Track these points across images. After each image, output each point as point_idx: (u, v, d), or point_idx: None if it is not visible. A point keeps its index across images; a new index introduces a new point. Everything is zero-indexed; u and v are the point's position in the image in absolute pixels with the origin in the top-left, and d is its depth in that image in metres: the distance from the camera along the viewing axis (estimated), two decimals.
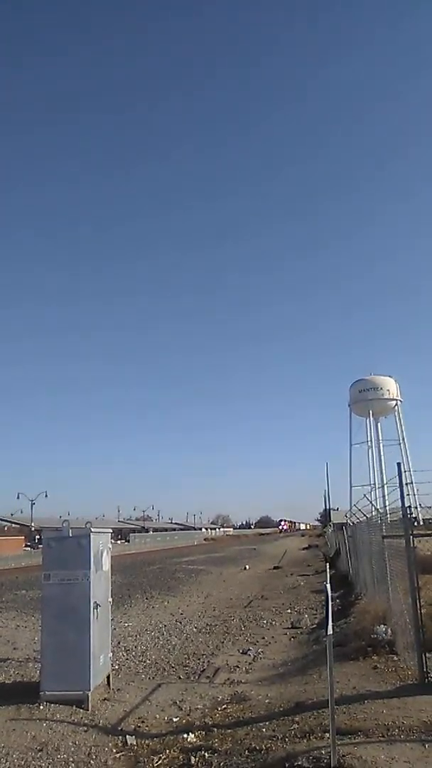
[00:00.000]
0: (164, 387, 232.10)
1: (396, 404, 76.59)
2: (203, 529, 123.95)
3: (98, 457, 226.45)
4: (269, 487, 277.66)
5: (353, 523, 18.66)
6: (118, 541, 70.20)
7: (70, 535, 7.25)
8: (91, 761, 5.53)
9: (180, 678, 8.92)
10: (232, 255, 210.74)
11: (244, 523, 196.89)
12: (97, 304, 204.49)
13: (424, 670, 6.55)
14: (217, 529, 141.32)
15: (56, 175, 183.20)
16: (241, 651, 10.75)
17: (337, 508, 78.95)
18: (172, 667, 9.59)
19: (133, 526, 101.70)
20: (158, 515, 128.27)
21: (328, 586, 5.32)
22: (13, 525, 74.28)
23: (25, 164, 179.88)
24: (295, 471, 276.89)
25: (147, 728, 6.45)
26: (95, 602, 7.18)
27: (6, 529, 73.39)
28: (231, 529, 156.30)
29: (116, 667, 8.99)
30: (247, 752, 5.13)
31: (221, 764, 5.03)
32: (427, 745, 4.76)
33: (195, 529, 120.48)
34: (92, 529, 7.34)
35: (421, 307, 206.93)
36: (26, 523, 69.83)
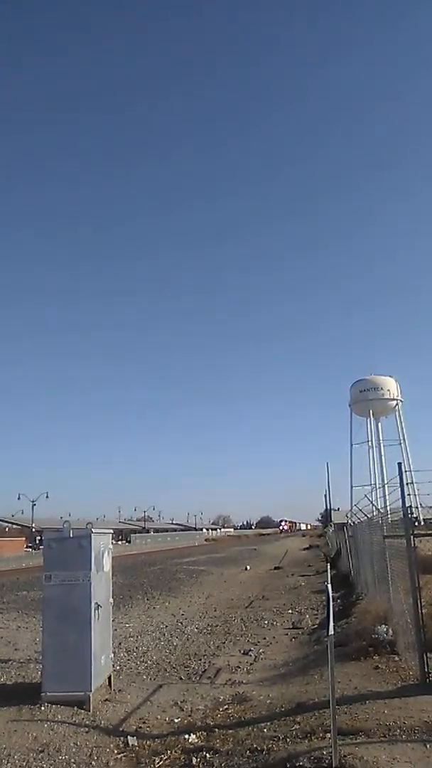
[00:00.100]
0: (164, 387, 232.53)
1: (396, 404, 76.58)
2: (204, 530, 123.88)
3: (98, 457, 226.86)
4: (270, 487, 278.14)
5: (354, 523, 18.66)
6: (119, 542, 70.23)
7: (71, 535, 7.25)
8: (93, 762, 5.53)
9: (181, 679, 8.92)
10: (232, 255, 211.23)
11: (244, 523, 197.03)
12: (97, 304, 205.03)
13: (426, 670, 6.55)
14: (218, 530, 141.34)
15: (56, 175, 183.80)
16: (242, 651, 10.75)
17: (338, 508, 79.02)
18: (174, 668, 9.59)
19: (133, 527, 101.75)
20: (159, 516, 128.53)
21: (329, 586, 5.34)
22: (14, 526, 74.31)
23: (25, 164, 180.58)
24: (295, 471, 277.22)
25: (148, 729, 6.45)
26: (96, 603, 7.18)
27: (7, 530, 73.39)
28: (232, 530, 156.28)
29: (117, 667, 8.99)
30: (248, 753, 5.13)
31: (222, 765, 5.03)
32: (428, 745, 4.75)
33: (196, 529, 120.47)
34: (93, 530, 7.34)
35: (421, 307, 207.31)
36: (27, 524, 69.89)
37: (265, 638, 11.96)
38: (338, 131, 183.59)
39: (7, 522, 74.61)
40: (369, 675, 7.26)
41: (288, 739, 5.27)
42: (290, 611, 15.50)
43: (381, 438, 76.08)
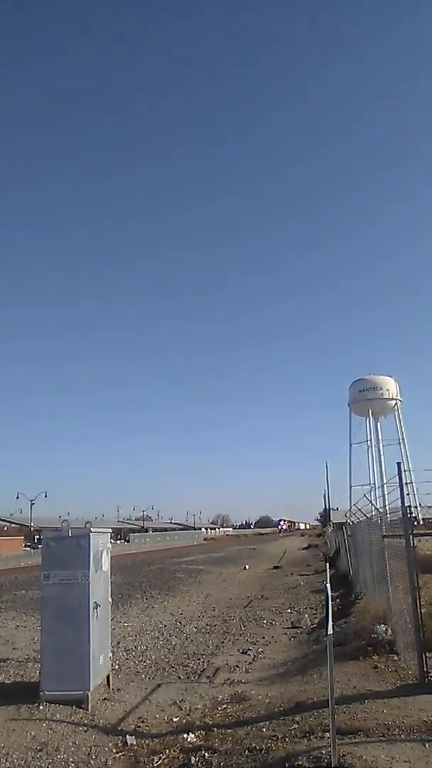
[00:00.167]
0: (164, 387, 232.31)
1: (396, 404, 76.61)
2: (203, 529, 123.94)
3: (98, 457, 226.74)
4: (269, 487, 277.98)
5: (353, 522, 18.67)
6: (118, 541, 70.20)
7: (70, 535, 7.25)
8: (91, 761, 5.52)
9: (180, 678, 8.92)
10: (232, 255, 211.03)
11: (243, 522, 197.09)
12: (97, 304, 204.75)
13: (425, 669, 6.54)
14: (217, 529, 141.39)
15: (56, 175, 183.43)
16: (241, 651, 10.75)
17: (337, 508, 79.10)
18: (172, 667, 9.59)
19: (132, 526, 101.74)
20: (158, 515, 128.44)
21: (328, 585, 5.32)
22: (13, 525, 74.27)
23: (25, 164, 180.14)
24: (294, 471, 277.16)
25: (147, 728, 6.44)
26: (95, 602, 7.17)
27: (5, 529, 73.36)
28: (231, 529, 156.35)
29: (116, 667, 8.99)
30: (247, 752, 5.13)
31: (221, 764, 5.02)
32: (427, 745, 4.75)
33: (195, 529, 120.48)
34: (92, 529, 7.33)
35: (421, 307, 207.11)
36: (26, 523, 69.81)
37: (263, 637, 11.96)
38: (338, 131, 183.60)
39: (5, 521, 74.57)
40: (368, 674, 7.25)
41: (287, 739, 5.27)
42: (289, 610, 15.50)
43: (380, 438, 76.16)
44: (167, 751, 5.57)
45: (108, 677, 7.91)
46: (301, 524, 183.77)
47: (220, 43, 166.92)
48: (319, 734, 5.13)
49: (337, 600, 14.67)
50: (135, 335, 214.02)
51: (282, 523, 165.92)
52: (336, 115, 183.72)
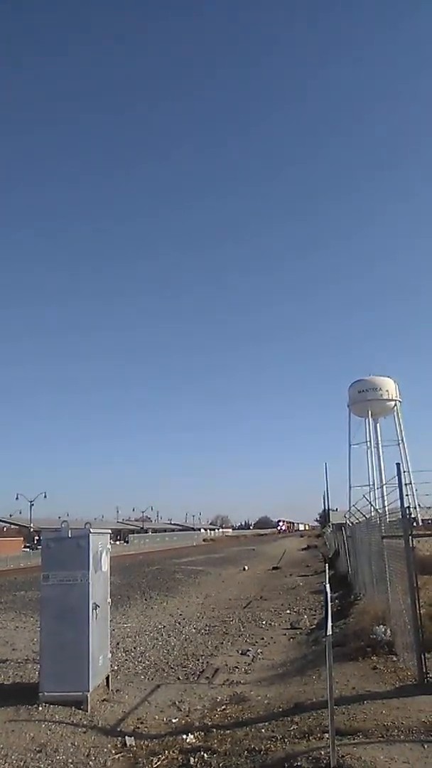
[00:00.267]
0: (164, 387, 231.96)
1: (395, 405, 76.70)
2: (202, 530, 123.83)
3: (98, 457, 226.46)
4: (269, 487, 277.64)
5: (352, 523, 18.67)
6: (117, 542, 70.16)
7: (69, 536, 7.25)
8: (90, 762, 5.52)
9: (179, 679, 8.91)
10: (232, 255, 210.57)
11: (243, 523, 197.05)
12: (97, 304, 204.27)
13: (423, 670, 6.55)
14: (216, 530, 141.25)
15: (56, 175, 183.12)
16: (240, 652, 10.75)
17: (336, 509, 78.96)
18: (171, 668, 9.59)
19: (132, 527, 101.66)
20: (157, 516, 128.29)
21: (327, 586, 5.32)
22: (12, 526, 74.19)
23: (25, 164, 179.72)
24: (294, 471, 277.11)
25: (146, 729, 6.44)
26: (94, 603, 7.17)
27: (5, 530, 73.33)
28: (230, 530, 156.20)
29: (115, 667, 8.98)
30: (246, 753, 5.13)
31: (220, 765, 5.02)
32: (426, 746, 4.76)
33: (194, 529, 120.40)
34: (91, 530, 7.33)
35: (421, 307, 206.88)
36: (25, 524, 69.71)
37: (263, 638, 11.96)
38: (338, 131, 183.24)
39: (5, 522, 74.51)
40: (367, 675, 7.26)
41: (286, 740, 5.27)
42: (288, 611, 15.50)
43: (379, 438, 76.29)
44: (166, 752, 5.57)
45: (107, 678, 7.90)
46: (300, 525, 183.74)
47: (220, 43, 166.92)
48: (318, 735, 5.14)
49: (336, 601, 14.67)
50: (135, 335, 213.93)
51: (281, 523, 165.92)
52: (336, 115, 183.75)
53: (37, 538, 59.00)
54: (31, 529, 66.04)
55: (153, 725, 6.59)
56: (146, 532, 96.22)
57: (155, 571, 31.00)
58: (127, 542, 74.38)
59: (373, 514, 12.04)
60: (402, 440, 75.66)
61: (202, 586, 23.18)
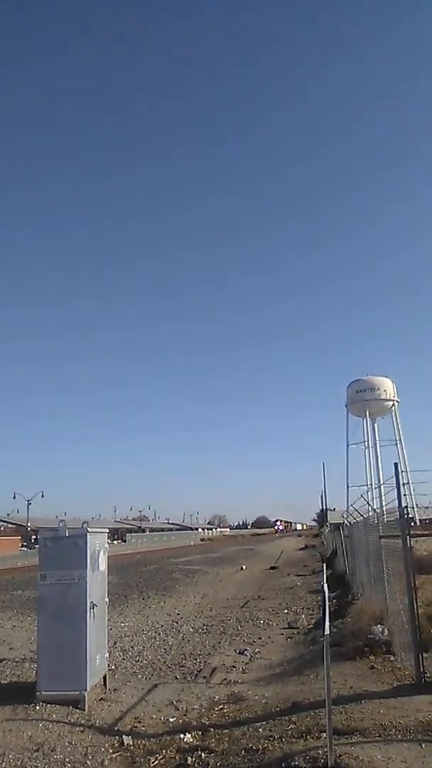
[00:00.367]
0: (164, 387, 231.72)
1: (393, 405, 76.81)
2: (200, 529, 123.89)
3: (98, 457, 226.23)
4: (267, 487, 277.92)
5: (350, 523, 18.69)
6: (115, 542, 70.17)
7: (67, 535, 7.24)
8: (88, 761, 5.52)
9: (176, 678, 8.91)
10: (232, 255, 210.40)
11: (240, 523, 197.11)
12: (97, 304, 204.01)
13: (421, 670, 6.56)
14: (214, 529, 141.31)
15: (56, 175, 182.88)
16: (237, 651, 10.75)
17: (334, 509, 79.04)
18: (169, 668, 9.58)
19: (129, 526, 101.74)
20: (155, 515, 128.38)
21: (325, 586, 5.33)
22: (10, 525, 74.24)
23: (25, 164, 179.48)
24: (292, 471, 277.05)
25: (143, 728, 6.44)
26: (92, 602, 7.17)
27: (2, 529, 73.32)
28: (227, 530, 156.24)
29: (113, 667, 8.98)
30: (243, 752, 5.13)
31: (218, 764, 5.02)
32: (423, 745, 4.76)
33: (191, 529, 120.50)
34: (89, 529, 7.32)
35: (421, 307, 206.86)
36: (23, 523, 69.69)
37: (260, 638, 11.96)
38: (338, 131, 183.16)
39: (2, 521, 74.51)
40: (365, 675, 7.26)
41: (283, 739, 5.27)
42: (286, 611, 15.51)
43: (377, 438, 76.42)
44: (164, 751, 5.57)
45: (105, 677, 7.90)
46: (298, 525, 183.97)
47: (220, 43, 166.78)
48: (316, 734, 5.14)
49: (334, 600, 14.68)
50: (135, 335, 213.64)
51: (279, 523, 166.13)
52: (336, 115, 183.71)
53: (34, 537, 58.97)
54: (29, 528, 66.03)
55: (150, 724, 6.59)
56: (144, 532, 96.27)
57: (153, 570, 30.99)
58: (125, 541, 74.38)
59: (370, 513, 12.05)
60: (400, 440, 75.86)
61: (199, 586, 23.17)
